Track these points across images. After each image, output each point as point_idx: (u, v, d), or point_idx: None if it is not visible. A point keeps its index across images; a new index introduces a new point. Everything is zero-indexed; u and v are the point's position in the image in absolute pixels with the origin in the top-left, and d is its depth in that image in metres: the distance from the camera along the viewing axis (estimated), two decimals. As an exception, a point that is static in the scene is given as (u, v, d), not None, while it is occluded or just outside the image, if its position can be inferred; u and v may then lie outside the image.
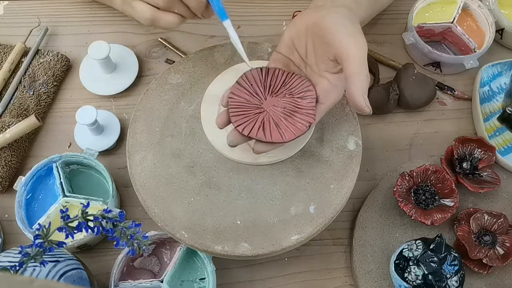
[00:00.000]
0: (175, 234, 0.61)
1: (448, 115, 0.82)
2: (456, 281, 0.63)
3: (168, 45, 0.84)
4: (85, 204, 0.52)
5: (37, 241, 0.51)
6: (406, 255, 0.65)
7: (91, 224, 0.51)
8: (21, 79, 0.79)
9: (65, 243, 0.53)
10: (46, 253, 0.52)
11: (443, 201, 0.71)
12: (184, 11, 0.64)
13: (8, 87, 0.78)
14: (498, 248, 0.69)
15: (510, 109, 0.78)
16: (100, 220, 0.51)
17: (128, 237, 0.52)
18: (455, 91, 0.83)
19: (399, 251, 0.65)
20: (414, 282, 0.63)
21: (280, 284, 0.72)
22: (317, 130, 0.67)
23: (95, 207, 0.67)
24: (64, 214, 0.52)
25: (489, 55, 0.83)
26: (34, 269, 0.57)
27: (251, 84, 0.62)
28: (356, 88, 0.55)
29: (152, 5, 0.64)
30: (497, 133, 0.80)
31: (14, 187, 0.70)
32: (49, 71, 0.79)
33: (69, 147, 0.78)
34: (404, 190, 0.71)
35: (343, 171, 0.65)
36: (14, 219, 0.68)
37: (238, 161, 0.64)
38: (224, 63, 0.71)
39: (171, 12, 0.64)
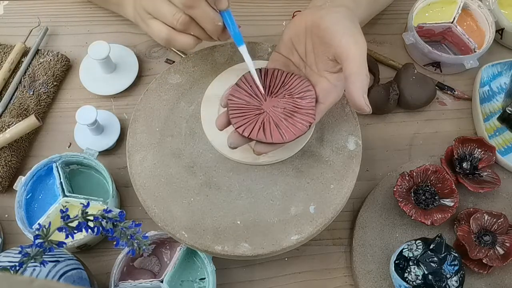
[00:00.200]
0: (175, 234, 0.61)
1: (448, 115, 0.82)
2: (456, 281, 0.63)
3: (168, 45, 0.84)
4: (85, 204, 0.52)
5: (37, 241, 0.51)
6: (406, 255, 0.65)
7: (91, 224, 0.51)
8: (21, 79, 0.79)
9: (65, 243, 0.53)
10: (46, 253, 0.52)
11: (443, 201, 0.71)
12: (200, 34, 0.63)
13: (8, 87, 0.78)
14: (498, 248, 0.69)
15: (510, 109, 0.78)
16: (100, 220, 0.51)
17: (128, 237, 0.52)
18: (455, 91, 0.83)
19: (399, 251, 0.65)
20: (414, 282, 0.63)
21: (280, 284, 0.72)
22: (317, 130, 0.67)
23: (95, 207, 0.67)
24: (64, 214, 0.52)
25: (489, 55, 0.83)
26: (34, 269, 0.57)
27: (251, 86, 0.62)
28: (356, 87, 0.55)
29: (169, 25, 0.63)
30: (497, 133, 0.80)
31: (14, 187, 0.70)
32: (49, 71, 0.79)
33: (69, 147, 0.78)
34: (404, 190, 0.71)
35: (343, 171, 0.65)
36: (14, 219, 0.68)
37: (238, 161, 0.64)
38: (224, 63, 0.71)
39: (187, 33, 0.63)
